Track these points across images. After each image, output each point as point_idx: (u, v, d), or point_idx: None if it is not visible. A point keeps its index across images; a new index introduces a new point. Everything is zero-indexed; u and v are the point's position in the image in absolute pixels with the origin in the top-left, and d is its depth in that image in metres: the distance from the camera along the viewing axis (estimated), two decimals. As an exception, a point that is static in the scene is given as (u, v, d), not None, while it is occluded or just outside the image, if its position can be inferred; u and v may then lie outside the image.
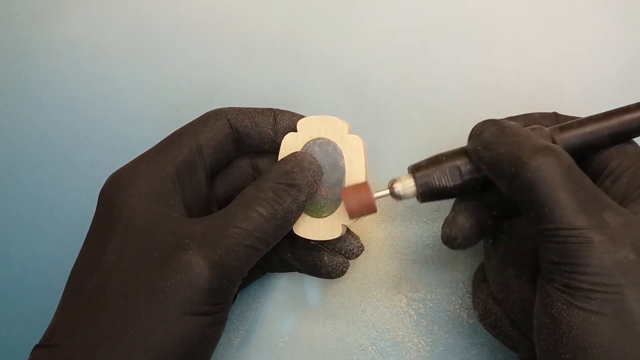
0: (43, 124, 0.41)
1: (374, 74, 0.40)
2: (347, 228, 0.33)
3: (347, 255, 0.33)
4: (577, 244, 0.23)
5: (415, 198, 0.30)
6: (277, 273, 0.36)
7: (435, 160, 0.29)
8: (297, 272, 0.36)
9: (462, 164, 0.29)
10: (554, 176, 0.24)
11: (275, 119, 0.31)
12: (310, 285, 0.36)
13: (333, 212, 0.31)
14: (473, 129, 0.28)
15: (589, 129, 0.28)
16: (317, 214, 0.31)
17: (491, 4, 0.41)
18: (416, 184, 0.29)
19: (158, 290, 0.24)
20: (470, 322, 0.34)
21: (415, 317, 0.35)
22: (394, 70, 0.40)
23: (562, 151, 0.25)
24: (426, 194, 0.29)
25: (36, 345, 0.25)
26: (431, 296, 0.35)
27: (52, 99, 0.41)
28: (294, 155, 0.30)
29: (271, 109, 0.32)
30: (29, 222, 0.38)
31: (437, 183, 0.29)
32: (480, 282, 0.31)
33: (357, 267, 0.36)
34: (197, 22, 0.42)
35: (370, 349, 0.34)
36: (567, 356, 0.22)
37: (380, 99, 0.40)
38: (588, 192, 0.24)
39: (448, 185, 0.29)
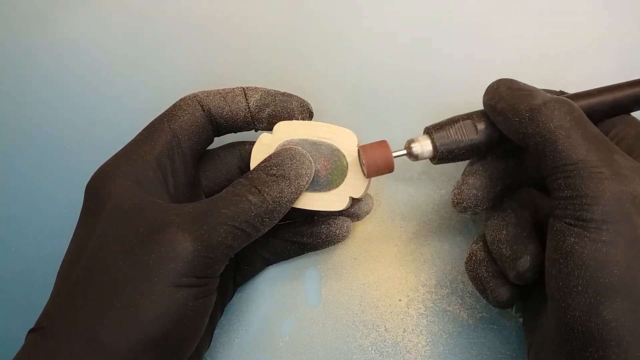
0: (43, 123, 0.41)
1: (375, 74, 0.40)
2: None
3: (353, 217, 0.34)
4: (589, 176, 0.24)
5: (429, 160, 0.31)
6: (277, 272, 0.36)
7: (451, 120, 0.30)
8: (297, 272, 0.36)
9: (478, 120, 0.30)
10: (567, 120, 0.25)
11: (245, 95, 0.32)
12: (310, 285, 0.36)
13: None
14: (489, 86, 0.29)
15: (594, 100, 0.29)
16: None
17: (492, 4, 0.41)
18: (433, 143, 0.30)
19: (142, 264, 0.25)
20: (470, 322, 0.34)
21: (415, 317, 0.35)
22: (395, 70, 0.40)
23: (573, 102, 0.26)
24: (443, 152, 0.30)
25: (29, 329, 0.26)
26: (431, 296, 0.35)
27: (53, 98, 0.41)
28: (285, 148, 0.30)
29: (241, 87, 0.32)
30: (29, 221, 0.39)
31: (454, 138, 0.29)
32: (476, 241, 0.32)
33: (358, 267, 0.36)
34: (198, 22, 0.42)
35: (370, 349, 0.34)
36: (578, 288, 0.23)
37: (381, 98, 0.40)
38: (598, 136, 0.25)
39: (464, 140, 0.29)
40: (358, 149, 0.30)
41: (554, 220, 0.25)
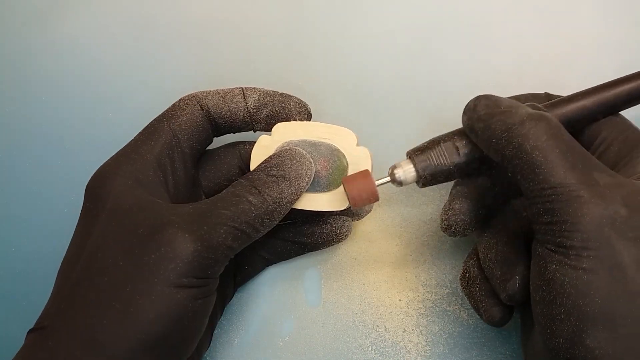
0: (44, 123, 0.41)
1: (375, 74, 0.40)
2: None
3: (354, 216, 0.34)
4: (567, 200, 0.23)
5: (415, 184, 0.30)
6: (277, 272, 0.36)
7: (432, 142, 0.30)
8: (297, 272, 0.36)
9: (459, 141, 0.29)
10: (544, 139, 0.24)
11: (244, 95, 0.32)
12: (310, 285, 0.36)
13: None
14: (467, 104, 0.29)
15: (578, 104, 0.29)
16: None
17: (492, 4, 0.41)
18: (416, 168, 0.30)
19: (142, 264, 0.25)
20: (470, 322, 0.34)
21: (415, 317, 0.34)
22: (395, 70, 0.40)
23: (551, 117, 0.26)
24: (427, 177, 0.30)
25: (29, 329, 0.26)
26: (431, 296, 0.35)
27: (53, 98, 0.41)
28: (285, 149, 0.30)
29: (239, 87, 0.32)
30: (29, 221, 0.39)
31: (436, 162, 0.29)
32: (470, 255, 0.32)
33: (357, 267, 0.36)
34: (198, 22, 0.42)
35: (370, 349, 0.34)
36: (561, 316, 0.23)
37: (381, 98, 0.40)
38: (577, 154, 0.25)
39: (446, 163, 0.29)
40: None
41: (535, 244, 0.25)
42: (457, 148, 0.29)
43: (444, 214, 0.30)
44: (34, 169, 0.40)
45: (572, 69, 0.39)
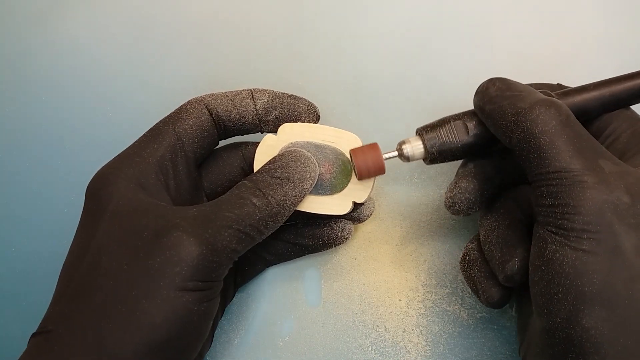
0: (44, 123, 0.41)
1: (375, 74, 0.40)
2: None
3: (355, 220, 0.34)
4: (571, 185, 0.24)
5: (422, 161, 0.31)
6: (277, 272, 0.36)
7: (442, 121, 0.30)
8: (297, 272, 0.36)
9: (469, 121, 0.30)
10: (552, 125, 0.25)
11: (253, 97, 0.32)
12: (310, 285, 0.36)
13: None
14: (479, 85, 0.29)
15: (590, 94, 0.29)
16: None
17: (492, 4, 0.41)
18: (424, 145, 0.30)
19: (148, 267, 0.24)
20: (470, 322, 0.34)
21: (415, 317, 0.35)
22: (395, 70, 0.40)
23: (562, 104, 0.26)
24: (434, 154, 0.30)
25: (33, 333, 0.25)
26: (431, 296, 0.35)
27: (53, 98, 0.41)
28: (290, 151, 0.30)
29: (248, 89, 0.32)
30: (29, 221, 0.39)
31: (445, 139, 0.29)
32: (471, 240, 0.32)
33: (358, 267, 0.36)
34: (198, 22, 0.42)
35: (370, 349, 0.34)
36: (559, 296, 0.23)
37: (381, 98, 0.40)
38: (585, 140, 0.25)
39: (455, 141, 0.29)
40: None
41: (537, 226, 0.25)
42: (466, 128, 0.29)
43: (450, 191, 0.30)
44: (34, 169, 0.40)
45: (572, 68, 0.39)
